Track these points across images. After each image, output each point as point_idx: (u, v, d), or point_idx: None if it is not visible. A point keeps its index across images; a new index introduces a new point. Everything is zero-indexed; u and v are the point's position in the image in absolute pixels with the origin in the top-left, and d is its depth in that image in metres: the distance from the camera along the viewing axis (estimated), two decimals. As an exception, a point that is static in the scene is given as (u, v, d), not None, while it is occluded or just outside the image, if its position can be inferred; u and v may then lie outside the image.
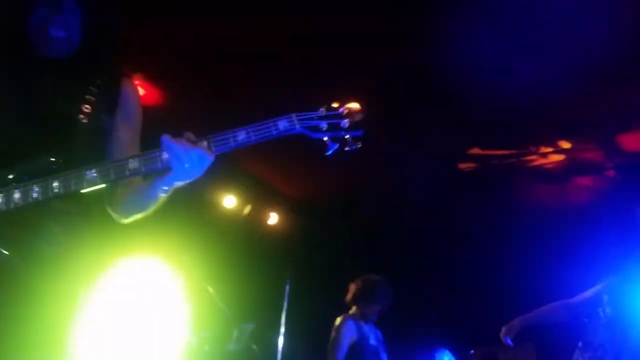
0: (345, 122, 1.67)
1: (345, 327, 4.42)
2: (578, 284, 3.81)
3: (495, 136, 5.21)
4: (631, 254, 3.71)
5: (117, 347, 4.06)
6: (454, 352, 4.56)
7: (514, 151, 5.51)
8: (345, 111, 1.67)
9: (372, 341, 4.53)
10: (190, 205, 5.08)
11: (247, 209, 5.77)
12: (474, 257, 6.09)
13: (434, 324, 5.82)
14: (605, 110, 4.80)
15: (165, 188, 1.67)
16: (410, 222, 6.09)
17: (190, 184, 1.64)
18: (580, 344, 3.51)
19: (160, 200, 1.70)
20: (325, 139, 1.67)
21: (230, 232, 5.50)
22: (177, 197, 1.74)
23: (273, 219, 5.95)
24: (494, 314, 6.02)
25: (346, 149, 1.68)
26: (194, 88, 4.37)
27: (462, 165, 5.86)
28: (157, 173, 1.66)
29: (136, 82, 2.15)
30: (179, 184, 1.65)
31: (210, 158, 1.59)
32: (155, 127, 1.80)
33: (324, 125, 1.66)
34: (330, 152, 1.69)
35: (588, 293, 3.63)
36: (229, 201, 5.61)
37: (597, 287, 3.60)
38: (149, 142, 1.71)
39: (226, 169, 5.39)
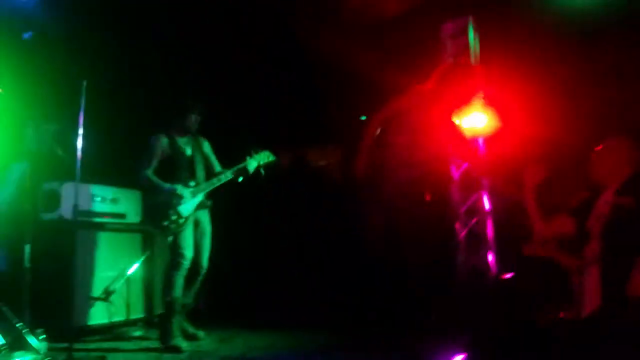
0: None
1: (155, 142, 4.49)
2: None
3: None
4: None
5: None
6: (272, 152, 4.81)
7: None
8: None
9: (188, 152, 4.59)
10: None
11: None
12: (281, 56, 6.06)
13: (251, 126, 5.97)
14: None
15: None
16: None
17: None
18: None
19: None
20: None
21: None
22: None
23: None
24: (307, 115, 6.32)
25: None
26: None
27: None
28: None
29: None
30: None
31: None
32: None
33: None
34: None
35: None
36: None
37: None
38: None
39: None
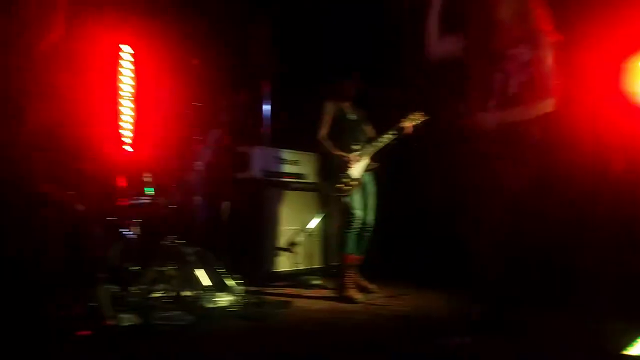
0: None
1: (326, 107, 4.88)
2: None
3: None
4: None
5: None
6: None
7: None
8: None
9: (352, 116, 4.95)
10: None
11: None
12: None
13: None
14: None
15: None
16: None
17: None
18: None
19: None
20: None
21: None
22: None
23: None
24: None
25: None
26: None
27: None
28: None
29: None
30: None
31: None
32: None
33: None
34: None
35: None
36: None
37: None
38: None
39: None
